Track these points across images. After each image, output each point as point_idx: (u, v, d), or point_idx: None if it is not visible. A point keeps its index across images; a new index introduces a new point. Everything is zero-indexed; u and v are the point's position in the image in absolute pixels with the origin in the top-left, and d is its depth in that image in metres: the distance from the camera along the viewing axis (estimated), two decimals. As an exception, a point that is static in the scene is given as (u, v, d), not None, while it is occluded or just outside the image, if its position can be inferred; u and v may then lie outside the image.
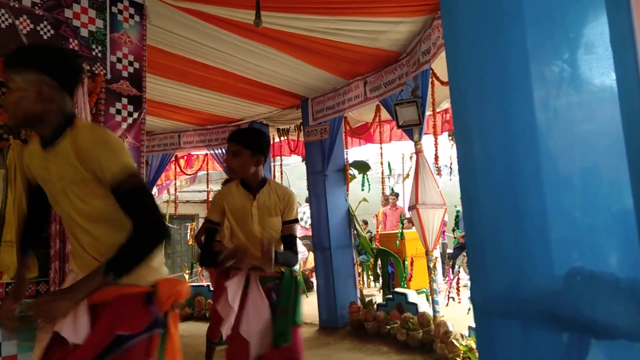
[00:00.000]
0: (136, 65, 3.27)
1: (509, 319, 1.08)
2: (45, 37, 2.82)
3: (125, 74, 3.20)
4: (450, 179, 5.51)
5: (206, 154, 7.98)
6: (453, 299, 4.69)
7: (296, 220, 2.53)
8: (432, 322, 4.47)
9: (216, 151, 7.34)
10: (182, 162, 8.19)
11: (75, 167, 1.50)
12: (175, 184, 8.53)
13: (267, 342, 2.35)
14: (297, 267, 2.53)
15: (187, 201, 12.47)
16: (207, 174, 8.11)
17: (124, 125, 3.15)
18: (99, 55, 3.07)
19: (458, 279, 4.85)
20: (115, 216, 1.53)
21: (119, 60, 3.18)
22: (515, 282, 1.06)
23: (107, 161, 1.48)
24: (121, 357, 1.46)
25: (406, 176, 5.56)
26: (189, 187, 9.96)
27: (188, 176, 8.97)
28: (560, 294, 0.97)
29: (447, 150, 6.10)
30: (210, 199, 6.95)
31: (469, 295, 1.20)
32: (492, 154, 1.13)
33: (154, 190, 8.58)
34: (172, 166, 8.06)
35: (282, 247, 2.53)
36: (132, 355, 1.48)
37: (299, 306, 2.49)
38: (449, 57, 1.21)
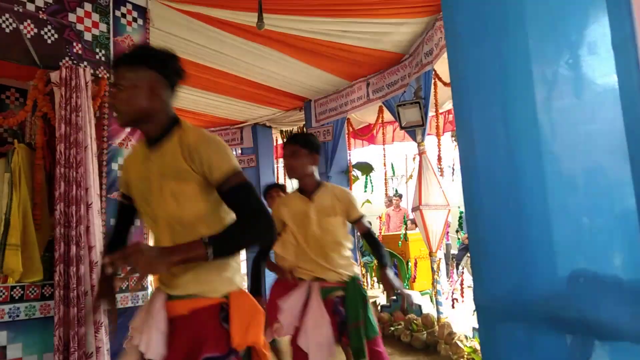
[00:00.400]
0: (139, 68, 3.28)
1: (512, 322, 1.08)
2: (49, 41, 2.83)
3: (128, 77, 3.21)
4: (453, 180, 5.50)
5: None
6: (457, 300, 4.68)
7: (363, 216, 2.56)
8: (436, 323, 4.47)
9: (219, 153, 7.34)
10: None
11: (180, 165, 1.49)
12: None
13: (328, 356, 2.33)
14: (358, 273, 2.58)
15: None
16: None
17: (127, 129, 3.16)
18: (103, 59, 3.08)
19: (462, 280, 4.84)
20: (204, 223, 1.51)
21: (122, 63, 3.20)
22: (518, 285, 1.06)
23: (217, 159, 1.47)
24: None
25: (409, 177, 5.54)
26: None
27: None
28: (563, 297, 0.97)
29: (450, 151, 6.09)
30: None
31: (473, 296, 1.20)
32: (495, 156, 1.13)
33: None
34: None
35: (348, 247, 2.53)
36: None
37: (371, 317, 2.45)
38: (450, 60, 1.21)
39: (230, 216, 1.56)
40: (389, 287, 2.46)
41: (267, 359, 1.57)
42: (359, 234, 2.93)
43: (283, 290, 2.93)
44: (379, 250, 2.58)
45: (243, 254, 1.64)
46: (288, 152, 2.46)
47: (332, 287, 2.46)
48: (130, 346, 1.57)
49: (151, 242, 1.64)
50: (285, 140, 2.53)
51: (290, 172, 2.47)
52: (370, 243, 2.65)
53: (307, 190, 2.50)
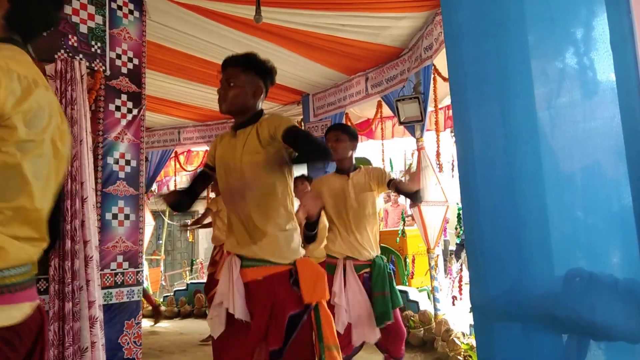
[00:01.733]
0: (135, 61, 3.26)
1: (508, 321, 1.07)
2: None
3: (124, 70, 3.19)
4: (452, 176, 5.49)
5: (206, 150, 7.96)
6: (455, 297, 4.67)
7: (393, 179, 2.83)
8: (433, 320, 4.46)
9: (216, 147, 7.31)
10: (182, 158, 8.17)
11: (255, 141, 1.88)
12: (175, 181, 8.52)
13: (368, 330, 2.64)
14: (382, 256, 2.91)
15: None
16: (208, 171, 8.08)
17: (124, 122, 3.14)
18: (99, 51, 3.06)
19: (460, 277, 4.83)
20: (277, 192, 1.89)
21: (119, 56, 3.17)
22: (515, 284, 1.05)
23: (280, 122, 1.86)
24: (299, 334, 1.82)
25: (407, 170, 5.51)
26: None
27: (188, 172, 8.95)
28: (559, 296, 0.96)
29: (450, 147, 6.07)
30: (210, 196, 6.94)
31: (469, 295, 1.19)
32: (493, 154, 1.12)
33: (154, 187, 8.56)
34: (172, 162, 8.04)
35: (376, 226, 2.84)
36: (305, 330, 1.84)
37: (395, 289, 2.79)
38: (449, 57, 1.20)
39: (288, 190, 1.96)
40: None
41: (329, 313, 1.91)
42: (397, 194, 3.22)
43: None
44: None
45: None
46: (332, 136, 2.81)
47: (362, 265, 2.75)
48: (217, 311, 1.90)
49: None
50: (328, 128, 2.94)
51: (336, 155, 2.80)
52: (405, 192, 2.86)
53: (345, 169, 2.84)
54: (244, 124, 1.96)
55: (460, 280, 4.78)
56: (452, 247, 8.92)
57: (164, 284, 9.58)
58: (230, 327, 1.88)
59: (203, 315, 6.31)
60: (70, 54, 2.91)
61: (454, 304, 4.65)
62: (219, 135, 2.14)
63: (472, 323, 3.97)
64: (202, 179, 2.12)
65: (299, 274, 1.87)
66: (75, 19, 2.96)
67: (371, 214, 2.80)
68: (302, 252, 1.96)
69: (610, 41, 0.93)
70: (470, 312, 4.36)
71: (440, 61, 4.24)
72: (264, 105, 2.04)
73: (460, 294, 4.70)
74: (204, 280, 7.24)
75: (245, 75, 1.92)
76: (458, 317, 4.45)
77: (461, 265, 7.09)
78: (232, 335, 1.88)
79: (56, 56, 2.83)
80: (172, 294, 7.31)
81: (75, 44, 2.95)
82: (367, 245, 2.76)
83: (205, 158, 8.01)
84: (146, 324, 5.71)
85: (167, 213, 9.69)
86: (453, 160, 6.15)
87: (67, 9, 2.93)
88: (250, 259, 1.88)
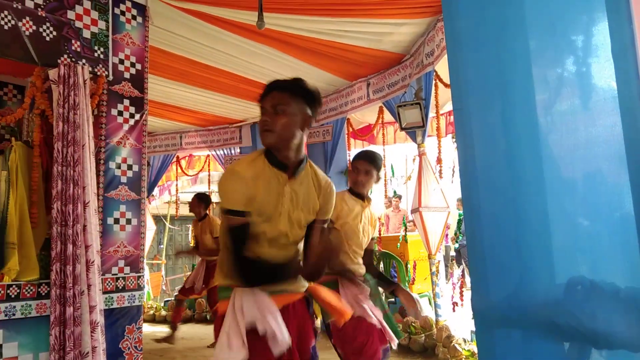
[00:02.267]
0: (138, 66, 3.27)
1: (509, 328, 1.07)
2: (47, 38, 2.82)
3: (127, 75, 3.20)
4: (452, 181, 5.48)
5: (208, 155, 7.97)
6: (456, 304, 4.66)
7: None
8: (434, 326, 4.45)
9: (218, 152, 7.32)
10: (183, 163, 8.18)
11: (313, 197, 1.81)
12: (176, 185, 8.53)
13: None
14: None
15: (188, 202, 12.47)
16: (209, 175, 8.10)
17: (126, 127, 3.15)
18: (101, 56, 3.07)
19: (462, 282, 4.83)
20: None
21: (121, 61, 3.18)
22: (516, 291, 1.05)
23: (331, 206, 1.89)
24: None
25: (408, 178, 5.53)
26: (190, 188, 9.96)
27: (189, 177, 8.96)
28: (560, 304, 0.96)
29: (451, 152, 6.07)
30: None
31: (470, 301, 1.19)
32: (494, 161, 1.12)
33: (155, 191, 8.56)
34: (174, 167, 8.05)
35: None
36: None
37: (380, 297, 2.94)
38: (451, 64, 1.20)
39: None
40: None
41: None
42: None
43: None
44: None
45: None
46: (362, 168, 2.79)
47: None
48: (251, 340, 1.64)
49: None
50: (359, 155, 2.87)
51: (359, 186, 2.82)
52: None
53: (363, 196, 2.86)
54: (294, 167, 1.75)
55: (461, 287, 4.78)
56: (453, 253, 8.90)
57: (164, 288, 9.56)
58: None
59: (204, 320, 6.31)
60: (73, 59, 2.92)
61: (454, 310, 4.64)
62: (247, 171, 1.73)
63: (473, 329, 3.96)
64: (247, 232, 1.76)
65: (318, 297, 1.88)
66: (78, 24, 2.98)
67: (364, 243, 2.90)
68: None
69: (612, 51, 0.93)
70: (471, 318, 4.36)
71: (442, 67, 4.26)
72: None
73: (462, 300, 4.69)
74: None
75: (295, 103, 1.70)
76: (459, 323, 4.44)
77: (463, 271, 7.07)
78: None
79: (59, 61, 2.84)
80: (173, 298, 7.31)
81: (79, 49, 2.96)
82: (360, 263, 2.87)
83: (207, 163, 8.07)
84: (147, 328, 5.70)
85: (168, 217, 9.70)
86: (454, 166, 6.16)
87: (71, 14, 2.95)
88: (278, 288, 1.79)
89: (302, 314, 1.83)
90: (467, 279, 5.39)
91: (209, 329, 5.80)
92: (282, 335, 1.61)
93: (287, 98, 1.69)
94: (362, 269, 2.84)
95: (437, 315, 4.47)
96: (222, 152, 7.27)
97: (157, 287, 8.88)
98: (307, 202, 1.79)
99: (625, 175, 0.97)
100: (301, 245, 1.88)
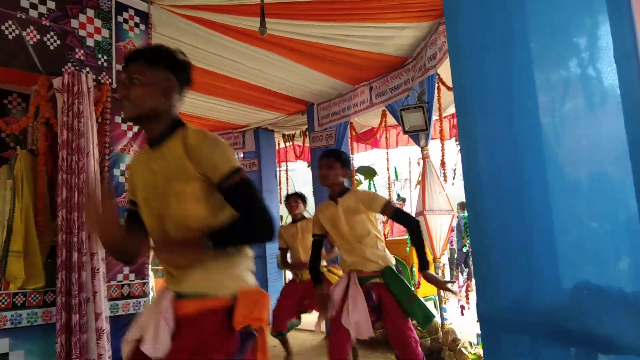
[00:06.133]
0: (142, 74, 3.29)
1: (516, 333, 1.06)
2: (51, 47, 2.84)
3: (130, 82, 3.22)
4: (453, 184, 5.47)
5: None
6: (463, 307, 4.65)
7: (387, 203, 2.86)
8: (440, 329, 4.44)
9: (222, 157, 7.32)
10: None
11: (183, 164, 1.50)
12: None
13: (365, 330, 2.70)
14: (393, 263, 3.01)
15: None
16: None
17: (130, 134, 3.16)
18: (105, 64, 3.09)
19: (467, 285, 4.81)
20: (207, 224, 1.49)
21: (125, 69, 3.20)
22: (523, 296, 1.05)
23: (218, 158, 1.49)
24: None
25: (417, 183, 5.51)
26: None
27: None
28: (567, 309, 0.95)
29: (454, 155, 6.06)
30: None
31: (476, 307, 1.18)
32: (499, 166, 1.12)
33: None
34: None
35: (380, 240, 2.92)
36: None
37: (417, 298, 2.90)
38: (453, 69, 1.20)
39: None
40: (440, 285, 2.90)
41: (265, 341, 1.57)
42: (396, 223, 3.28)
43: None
44: (417, 244, 2.84)
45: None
46: (325, 163, 2.88)
47: (368, 276, 2.84)
48: (128, 341, 1.56)
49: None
50: (321, 154, 2.98)
51: (323, 180, 2.89)
52: (408, 230, 3.01)
53: (334, 195, 2.91)
54: (159, 139, 1.57)
55: (467, 290, 4.76)
56: (459, 256, 8.88)
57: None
58: None
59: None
60: (77, 67, 2.94)
61: (462, 314, 4.62)
62: (132, 161, 1.74)
63: (479, 333, 3.95)
64: (135, 222, 1.67)
65: (238, 304, 1.50)
66: (82, 32, 3.00)
67: (365, 234, 2.86)
68: (249, 280, 1.59)
69: (614, 56, 0.93)
70: (477, 321, 4.33)
71: (444, 70, 4.25)
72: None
73: (468, 303, 4.67)
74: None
75: (151, 71, 1.53)
76: (465, 327, 4.42)
77: (468, 274, 7.04)
78: None
79: (63, 69, 2.86)
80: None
81: (82, 57, 2.98)
82: (372, 258, 2.85)
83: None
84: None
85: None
86: (455, 168, 6.14)
87: (74, 23, 2.97)
88: (184, 289, 1.55)
89: (211, 328, 1.48)
90: (473, 282, 5.37)
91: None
92: (152, 348, 1.45)
93: (143, 68, 1.52)
94: (373, 265, 2.85)
95: (442, 318, 4.46)
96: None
97: (162, 293, 8.88)
98: (176, 168, 1.51)
99: (629, 178, 0.96)
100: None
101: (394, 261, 2.97)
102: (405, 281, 2.90)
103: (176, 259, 1.49)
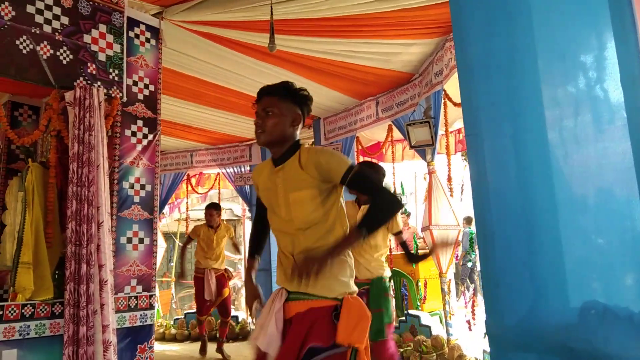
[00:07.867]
0: (151, 88, 3.33)
1: (524, 352, 1.07)
2: (64, 62, 2.89)
3: (140, 96, 3.26)
4: (461, 199, 5.47)
5: (218, 173, 8.02)
6: (469, 322, 4.62)
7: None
8: (445, 345, 4.41)
9: (228, 170, 7.37)
10: (193, 180, 8.23)
11: (299, 175, 1.81)
12: (187, 203, 8.57)
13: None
14: (386, 274, 3.34)
15: (199, 219, 12.53)
16: (219, 193, 8.14)
17: (139, 147, 3.20)
18: (116, 78, 3.14)
19: (473, 301, 4.79)
20: (324, 221, 1.81)
21: (135, 83, 3.24)
22: (530, 314, 1.06)
23: (336, 164, 1.79)
24: None
25: (425, 198, 5.52)
26: (199, 205, 10.02)
27: (199, 195, 9.01)
28: (574, 328, 0.96)
29: (460, 170, 6.07)
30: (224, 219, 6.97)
31: (485, 325, 1.19)
32: (507, 185, 1.14)
33: (166, 209, 8.61)
34: (184, 185, 8.10)
35: (381, 253, 3.35)
36: None
37: (389, 307, 3.20)
38: (463, 92, 1.22)
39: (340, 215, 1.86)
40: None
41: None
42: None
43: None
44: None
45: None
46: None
47: (360, 283, 2.89)
48: (253, 340, 1.82)
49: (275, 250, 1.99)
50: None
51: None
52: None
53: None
54: (282, 159, 1.89)
55: (473, 305, 4.74)
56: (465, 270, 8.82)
57: (174, 306, 9.55)
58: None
59: (214, 338, 6.27)
60: (89, 82, 2.99)
61: (470, 329, 4.59)
62: (255, 171, 2.08)
63: (485, 348, 3.92)
64: (265, 217, 2.02)
65: (343, 308, 1.73)
66: (94, 47, 3.05)
67: (372, 246, 3.22)
68: (353, 287, 1.83)
69: (621, 80, 0.95)
70: (484, 337, 4.31)
71: (451, 86, 4.28)
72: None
73: (474, 318, 4.65)
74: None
75: (283, 104, 1.86)
76: (471, 343, 4.39)
77: (474, 289, 7.00)
78: None
79: (75, 84, 2.91)
80: (182, 316, 7.29)
81: (94, 72, 3.03)
82: (368, 267, 3.20)
83: (217, 181, 8.12)
84: (157, 346, 5.69)
85: (178, 235, 9.73)
86: (463, 184, 6.14)
87: (87, 38, 3.02)
88: (295, 292, 1.80)
89: (317, 318, 1.74)
90: (479, 297, 5.34)
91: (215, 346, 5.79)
92: (266, 346, 1.74)
93: (276, 101, 1.86)
94: (367, 273, 3.26)
95: (448, 334, 4.43)
96: (232, 169, 7.31)
97: (167, 305, 8.87)
98: (294, 181, 1.83)
99: (636, 195, 0.98)
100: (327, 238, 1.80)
101: (388, 273, 3.30)
102: (385, 294, 3.20)
103: (321, 268, 1.66)
